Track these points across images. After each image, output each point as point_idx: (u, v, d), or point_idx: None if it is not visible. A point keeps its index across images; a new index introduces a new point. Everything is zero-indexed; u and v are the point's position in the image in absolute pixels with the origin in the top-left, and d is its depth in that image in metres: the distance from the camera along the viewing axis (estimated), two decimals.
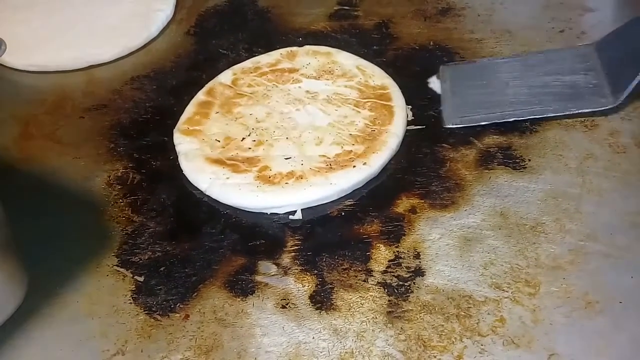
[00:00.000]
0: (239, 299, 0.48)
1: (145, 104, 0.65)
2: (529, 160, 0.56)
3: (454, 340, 0.45)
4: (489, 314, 0.46)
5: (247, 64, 0.66)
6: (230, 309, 0.48)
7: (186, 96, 0.65)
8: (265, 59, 0.66)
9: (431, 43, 0.68)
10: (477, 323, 0.46)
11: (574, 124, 0.59)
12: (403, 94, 0.62)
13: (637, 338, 0.44)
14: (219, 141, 0.58)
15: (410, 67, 0.65)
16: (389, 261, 0.50)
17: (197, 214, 0.55)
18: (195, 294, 0.49)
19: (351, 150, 0.56)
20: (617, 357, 0.43)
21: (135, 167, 0.59)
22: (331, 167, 0.55)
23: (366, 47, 0.68)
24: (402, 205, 0.54)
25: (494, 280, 0.48)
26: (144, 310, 0.48)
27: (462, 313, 0.46)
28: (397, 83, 0.63)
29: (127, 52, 0.70)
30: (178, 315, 0.48)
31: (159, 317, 0.47)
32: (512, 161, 0.56)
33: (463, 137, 0.59)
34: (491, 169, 0.56)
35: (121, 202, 0.56)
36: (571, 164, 0.55)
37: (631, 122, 0.58)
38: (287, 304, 0.48)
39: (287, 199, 0.53)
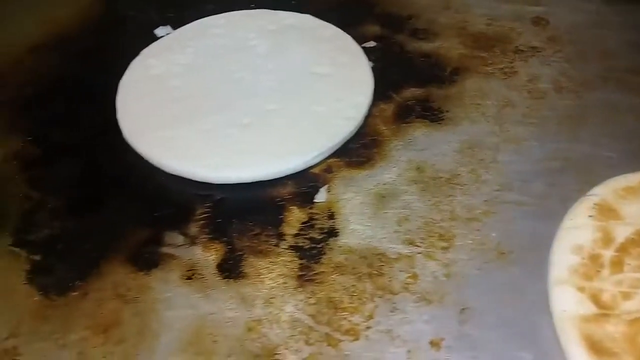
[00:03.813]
0: (142, 273, 0.46)
1: (46, 74, 0.60)
2: (447, 111, 0.54)
3: (365, 301, 0.43)
4: (401, 271, 0.44)
5: None
6: (133, 284, 0.45)
7: (93, 64, 0.61)
8: None
9: None
10: (389, 281, 0.44)
11: (494, 72, 0.57)
12: None
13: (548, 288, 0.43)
14: None
15: (331, 23, 0.62)
16: (301, 224, 0.48)
17: (100, 187, 0.52)
18: (96, 270, 0.46)
19: None
20: (529, 308, 0.42)
21: (35, 141, 0.55)
22: None
23: (285, 2, 0.65)
24: (318, 165, 0.52)
25: (408, 237, 0.46)
26: (39, 291, 0.45)
27: (375, 272, 0.44)
28: None
29: None
30: (76, 293, 0.45)
31: (55, 297, 0.44)
32: (430, 113, 0.54)
33: (382, 92, 0.56)
34: (409, 123, 0.54)
35: (17, 178, 0.52)
36: (489, 113, 0.54)
37: (550, 66, 0.57)
38: (193, 275, 0.45)
39: None
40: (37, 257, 0.47)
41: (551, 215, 0.46)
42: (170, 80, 0.57)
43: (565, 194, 0.47)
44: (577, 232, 0.43)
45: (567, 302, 0.40)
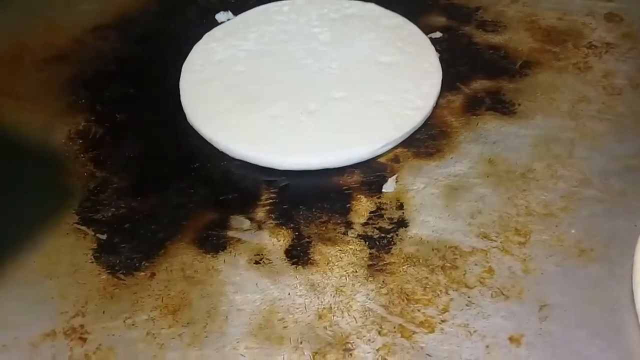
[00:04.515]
0: (209, 256, 0.45)
1: (109, 54, 0.60)
2: (519, 104, 0.53)
3: (439, 293, 0.42)
4: (476, 264, 0.43)
5: None
6: (200, 266, 0.44)
7: (154, 46, 0.61)
8: None
9: None
10: (463, 274, 0.43)
11: (567, 66, 0.55)
12: None
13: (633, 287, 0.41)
14: None
15: (395, 12, 0.61)
16: (370, 213, 0.47)
17: (164, 168, 0.51)
18: (162, 251, 0.45)
19: None
20: (612, 306, 0.40)
21: (98, 120, 0.54)
22: None
23: None
24: (385, 154, 0.50)
25: (482, 230, 0.45)
26: (107, 270, 0.44)
27: (448, 264, 0.43)
28: None
29: None
30: (143, 273, 0.44)
31: (122, 277, 0.44)
32: (502, 106, 0.53)
33: (449, 83, 0.55)
34: (479, 115, 0.53)
35: (82, 157, 0.52)
36: (563, 108, 0.52)
37: (626, 63, 0.55)
38: (261, 260, 0.44)
39: None
40: (103, 236, 0.46)
41: (632, 213, 0.44)
42: (234, 65, 0.56)
43: None
44: None
45: None
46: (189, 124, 0.53)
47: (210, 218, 0.47)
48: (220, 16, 0.63)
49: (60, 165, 0.51)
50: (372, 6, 0.61)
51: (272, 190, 0.49)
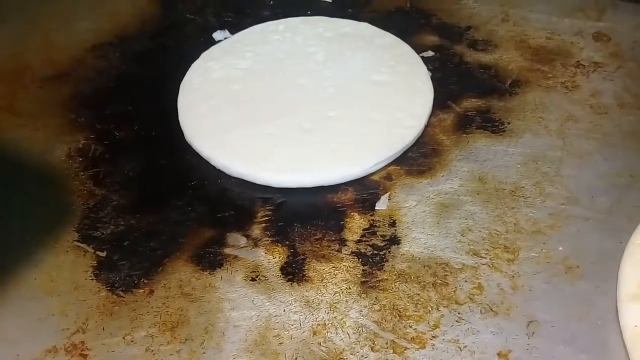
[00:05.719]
0: (206, 273, 0.46)
1: (108, 73, 0.61)
2: (509, 123, 0.54)
3: (430, 310, 0.43)
4: (466, 281, 0.44)
5: None
6: (197, 283, 0.45)
7: (152, 65, 0.62)
8: None
9: (408, 5, 0.66)
10: (454, 291, 0.44)
11: (555, 85, 0.57)
12: None
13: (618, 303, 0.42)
14: None
15: (388, 31, 0.62)
16: (363, 230, 0.48)
17: (163, 186, 0.52)
18: (161, 268, 0.46)
19: None
20: (598, 323, 0.41)
21: (98, 138, 0.56)
22: None
23: (341, 10, 0.66)
24: (378, 172, 0.52)
25: (472, 247, 0.46)
26: (106, 287, 0.45)
27: (439, 281, 0.44)
28: None
29: None
30: (142, 291, 0.45)
31: (121, 294, 0.45)
32: (491, 124, 0.54)
33: (441, 102, 0.56)
34: (469, 133, 0.54)
35: (82, 175, 0.53)
36: (551, 126, 0.53)
37: (613, 82, 0.56)
38: (257, 277, 0.46)
39: None
40: (102, 254, 0.47)
41: (618, 230, 0.46)
42: (231, 84, 0.58)
43: (632, 210, 0.47)
44: None
45: (638, 318, 0.40)
46: (186, 141, 0.54)
47: (208, 235, 0.48)
48: (217, 35, 0.64)
49: (60, 183, 0.52)
50: (365, 25, 0.63)
51: (267, 208, 0.50)
